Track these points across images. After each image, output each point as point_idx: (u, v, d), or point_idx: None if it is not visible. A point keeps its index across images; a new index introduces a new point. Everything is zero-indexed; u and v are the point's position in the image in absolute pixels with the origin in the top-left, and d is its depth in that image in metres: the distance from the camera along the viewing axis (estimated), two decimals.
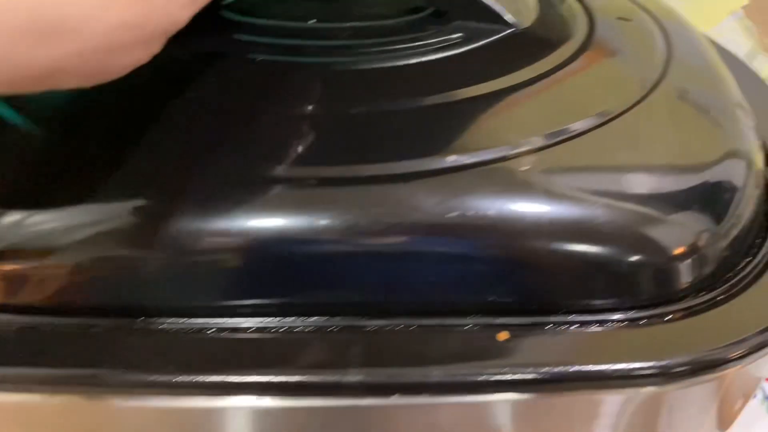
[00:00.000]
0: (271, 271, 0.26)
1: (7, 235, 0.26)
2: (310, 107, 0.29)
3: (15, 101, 0.27)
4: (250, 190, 0.26)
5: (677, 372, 0.25)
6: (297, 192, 0.26)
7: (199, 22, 0.31)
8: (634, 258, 0.27)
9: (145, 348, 0.25)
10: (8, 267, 0.26)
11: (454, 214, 0.26)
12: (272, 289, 0.26)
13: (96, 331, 0.25)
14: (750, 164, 0.30)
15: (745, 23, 0.58)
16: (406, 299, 0.26)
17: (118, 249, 0.26)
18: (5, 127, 0.28)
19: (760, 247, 0.29)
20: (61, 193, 0.26)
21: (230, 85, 0.30)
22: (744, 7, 0.59)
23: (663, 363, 0.25)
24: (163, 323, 0.26)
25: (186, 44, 0.31)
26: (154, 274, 0.26)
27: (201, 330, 0.26)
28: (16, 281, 0.26)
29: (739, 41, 0.56)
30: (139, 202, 0.26)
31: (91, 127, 0.28)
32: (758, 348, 0.25)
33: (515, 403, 0.26)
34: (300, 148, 0.27)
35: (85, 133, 0.28)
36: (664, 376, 0.25)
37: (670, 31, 0.34)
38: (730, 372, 0.26)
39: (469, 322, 0.26)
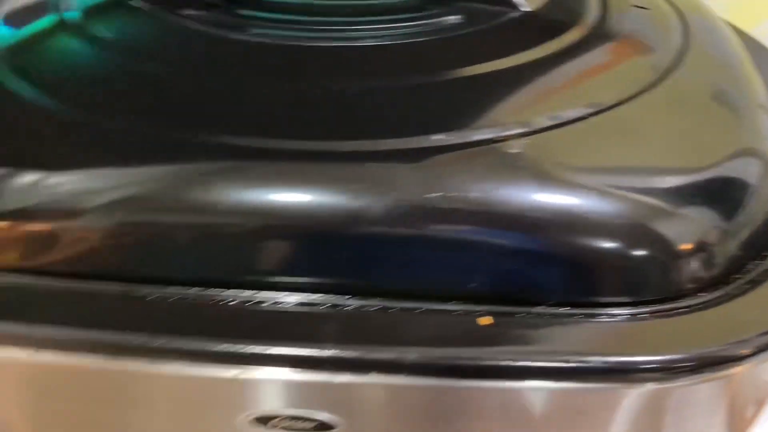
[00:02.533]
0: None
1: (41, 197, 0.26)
2: (305, 82, 0.28)
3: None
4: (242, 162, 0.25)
5: (680, 368, 0.23)
6: (287, 165, 0.25)
7: None
8: (641, 252, 0.25)
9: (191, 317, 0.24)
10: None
11: (453, 194, 0.24)
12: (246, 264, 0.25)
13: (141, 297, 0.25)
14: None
15: None
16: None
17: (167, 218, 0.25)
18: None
19: None
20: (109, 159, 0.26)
21: (229, 57, 0.29)
22: None
23: (665, 357, 0.23)
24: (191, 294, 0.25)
25: (194, 18, 0.31)
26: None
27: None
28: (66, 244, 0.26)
29: None
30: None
31: (105, 94, 0.29)
32: (765, 348, 0.23)
33: (521, 391, 0.25)
34: (293, 122, 0.27)
35: (103, 100, 0.28)
36: (667, 371, 0.23)
37: (691, 23, 0.33)
38: (737, 372, 0.24)
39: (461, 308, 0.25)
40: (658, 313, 0.25)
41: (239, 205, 0.25)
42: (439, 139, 0.25)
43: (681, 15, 0.33)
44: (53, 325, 0.24)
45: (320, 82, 0.28)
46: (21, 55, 0.32)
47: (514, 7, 0.30)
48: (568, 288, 0.25)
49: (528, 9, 0.31)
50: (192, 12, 0.31)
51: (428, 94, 0.27)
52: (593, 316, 0.25)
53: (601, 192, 0.25)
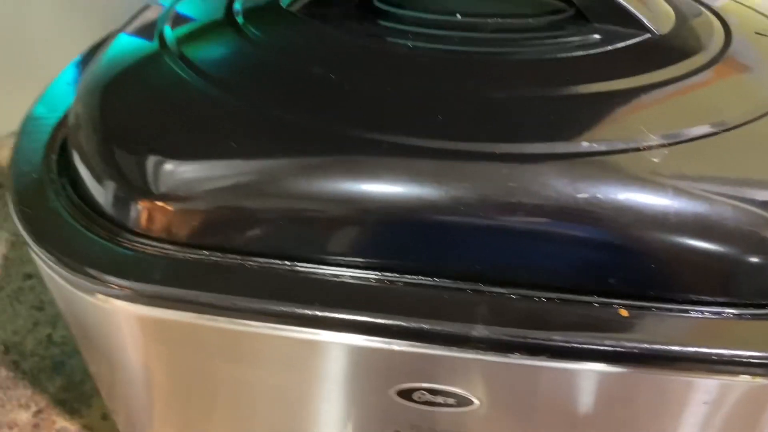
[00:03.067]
0: (414, 235, 0.28)
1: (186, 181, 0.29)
2: (453, 89, 0.31)
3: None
4: (397, 159, 0.28)
5: None
6: (436, 163, 0.28)
7: (355, 9, 0.35)
8: (750, 257, 0.27)
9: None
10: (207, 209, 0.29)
11: (584, 196, 0.27)
12: (415, 251, 0.28)
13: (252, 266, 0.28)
14: None
15: None
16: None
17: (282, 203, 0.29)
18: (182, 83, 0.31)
19: None
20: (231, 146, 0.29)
21: (385, 65, 0.32)
22: None
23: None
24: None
25: (345, 27, 0.34)
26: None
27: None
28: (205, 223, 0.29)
29: None
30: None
31: (258, 87, 0.32)
32: None
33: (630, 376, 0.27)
34: (442, 124, 0.29)
35: (255, 92, 0.31)
36: None
37: None
38: None
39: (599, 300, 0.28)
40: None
41: (413, 198, 0.28)
42: (586, 146, 0.28)
43: None
44: (227, 295, 0.28)
45: (473, 90, 0.31)
46: (192, 46, 0.35)
47: (648, 30, 0.33)
48: (692, 287, 0.28)
49: (660, 32, 0.33)
50: (344, 21, 0.35)
51: (572, 105, 0.30)
52: (712, 313, 0.27)
53: (720, 202, 0.28)
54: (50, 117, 0.37)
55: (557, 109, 0.29)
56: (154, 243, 0.30)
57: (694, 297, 0.27)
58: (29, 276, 0.58)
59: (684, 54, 0.33)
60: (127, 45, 0.37)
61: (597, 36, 0.33)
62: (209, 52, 0.35)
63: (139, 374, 0.33)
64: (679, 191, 0.27)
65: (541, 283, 0.28)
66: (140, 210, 0.30)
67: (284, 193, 0.28)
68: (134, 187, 0.30)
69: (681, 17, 0.35)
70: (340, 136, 0.29)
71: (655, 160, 0.28)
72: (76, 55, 0.42)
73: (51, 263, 0.30)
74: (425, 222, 0.28)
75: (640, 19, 0.33)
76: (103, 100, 0.34)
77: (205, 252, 0.29)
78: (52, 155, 0.35)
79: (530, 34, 0.33)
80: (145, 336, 0.31)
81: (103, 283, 0.28)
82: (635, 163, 0.28)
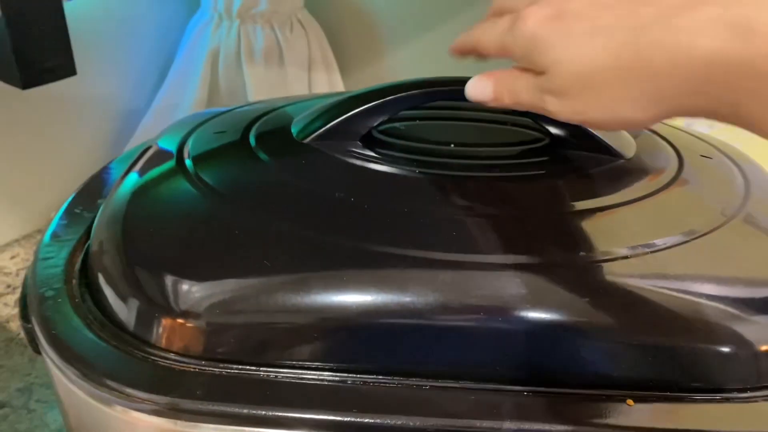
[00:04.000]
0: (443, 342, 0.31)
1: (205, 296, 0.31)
2: (461, 209, 0.35)
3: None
4: (411, 270, 0.31)
5: None
6: (454, 273, 0.32)
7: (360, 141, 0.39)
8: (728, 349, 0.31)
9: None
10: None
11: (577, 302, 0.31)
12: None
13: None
14: None
15: None
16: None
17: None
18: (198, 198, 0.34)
19: None
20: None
21: (396, 189, 0.36)
22: None
23: None
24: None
25: (352, 155, 0.38)
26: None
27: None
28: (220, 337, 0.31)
29: None
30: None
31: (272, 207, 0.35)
32: None
33: None
34: (452, 239, 0.33)
35: (269, 209, 0.35)
36: None
37: (746, 171, 0.41)
38: None
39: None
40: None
41: (437, 306, 0.31)
42: (581, 255, 0.32)
43: (737, 164, 0.42)
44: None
45: (475, 208, 0.35)
46: (208, 171, 0.38)
47: (618, 156, 0.38)
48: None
49: (628, 157, 0.39)
50: (351, 150, 0.39)
51: (565, 220, 0.34)
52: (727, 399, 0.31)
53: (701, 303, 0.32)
54: (63, 245, 0.39)
55: (553, 223, 0.34)
56: (175, 357, 0.32)
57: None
58: (2, 404, 0.56)
59: (647, 175, 0.38)
60: (143, 179, 0.40)
61: (574, 161, 0.38)
62: (225, 176, 0.38)
63: None
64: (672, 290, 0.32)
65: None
66: (161, 326, 0.32)
67: (298, 307, 0.31)
68: (154, 304, 0.32)
69: (640, 143, 0.41)
70: (353, 249, 0.32)
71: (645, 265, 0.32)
72: None
73: (73, 376, 0.31)
74: (450, 330, 0.31)
75: (608, 146, 0.38)
76: (125, 226, 0.36)
77: (223, 364, 0.31)
78: (73, 280, 0.36)
79: (517, 160, 0.38)
80: None
81: (125, 395, 0.30)
82: (634, 268, 0.32)
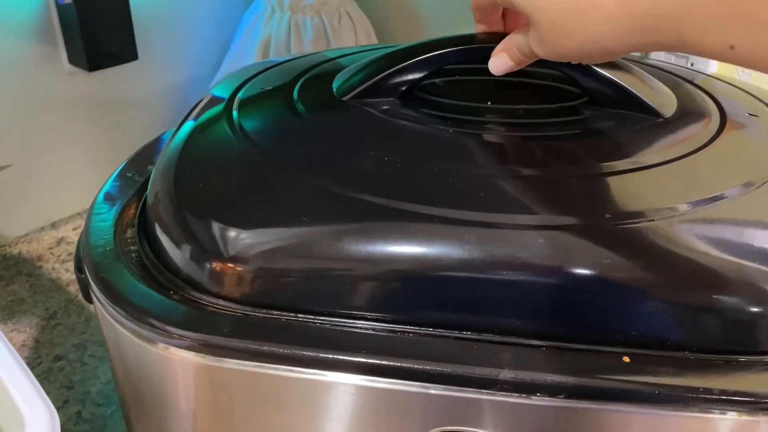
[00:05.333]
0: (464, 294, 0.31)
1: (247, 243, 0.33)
2: (493, 167, 0.35)
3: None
4: (444, 227, 0.32)
5: None
6: (485, 231, 0.32)
7: (398, 98, 0.40)
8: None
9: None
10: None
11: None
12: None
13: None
14: None
15: None
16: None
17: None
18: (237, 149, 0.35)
19: None
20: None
21: (431, 148, 0.37)
22: None
23: None
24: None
25: (390, 113, 0.39)
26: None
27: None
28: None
29: None
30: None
31: (309, 160, 0.36)
32: None
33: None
34: (484, 198, 0.33)
35: (306, 164, 0.36)
36: None
37: None
38: None
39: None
40: None
41: (464, 262, 0.31)
42: (622, 214, 0.32)
43: None
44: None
45: (509, 168, 0.35)
46: (256, 128, 0.40)
47: (658, 114, 0.38)
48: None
49: (667, 116, 0.38)
50: (390, 108, 0.39)
51: (603, 179, 0.34)
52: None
53: None
54: (114, 202, 0.41)
55: (590, 183, 0.34)
56: (219, 300, 0.33)
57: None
58: (59, 357, 0.60)
59: (687, 133, 0.37)
60: (195, 129, 0.41)
61: (611, 120, 0.38)
62: (266, 129, 0.40)
63: (188, 422, 0.35)
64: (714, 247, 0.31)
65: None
66: (209, 271, 0.34)
67: (331, 259, 0.32)
68: (205, 250, 0.34)
69: (681, 101, 0.40)
70: (390, 208, 0.33)
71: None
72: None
73: (122, 318, 0.33)
74: (471, 282, 0.31)
75: (647, 104, 0.38)
76: (177, 177, 0.38)
77: (250, 306, 0.33)
78: (123, 231, 0.38)
79: (554, 118, 0.38)
80: (199, 384, 0.34)
81: (164, 331, 0.32)
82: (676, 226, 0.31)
